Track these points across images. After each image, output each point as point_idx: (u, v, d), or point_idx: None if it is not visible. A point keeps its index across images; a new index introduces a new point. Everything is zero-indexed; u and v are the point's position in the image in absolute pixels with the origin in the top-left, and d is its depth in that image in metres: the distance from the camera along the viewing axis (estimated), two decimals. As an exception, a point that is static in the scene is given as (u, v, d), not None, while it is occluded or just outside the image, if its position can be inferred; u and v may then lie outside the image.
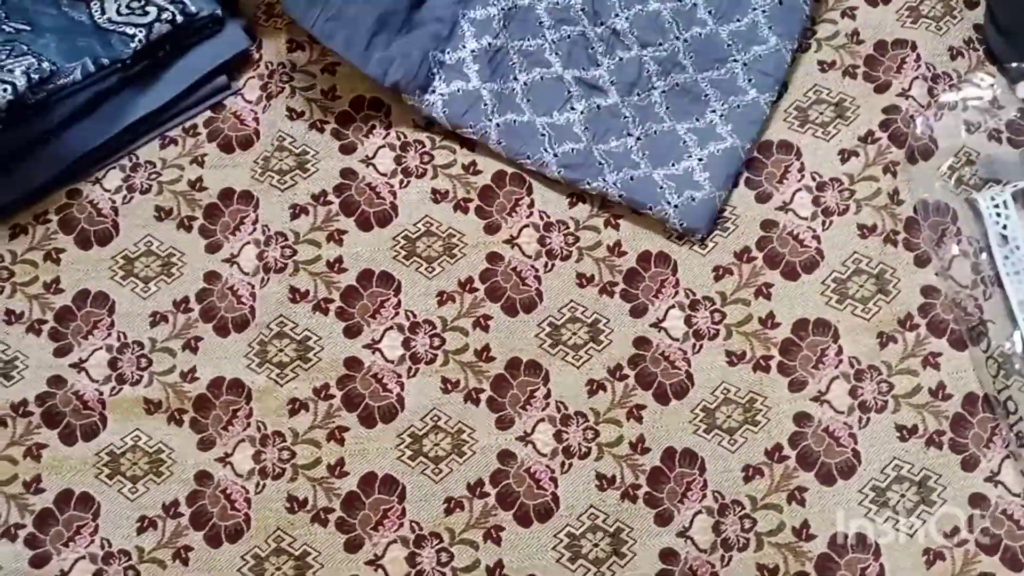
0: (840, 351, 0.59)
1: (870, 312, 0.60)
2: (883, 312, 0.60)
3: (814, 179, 0.64)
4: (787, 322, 0.60)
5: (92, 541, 0.57)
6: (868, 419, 0.58)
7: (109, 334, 0.61)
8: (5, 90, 0.59)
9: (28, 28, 0.64)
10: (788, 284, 0.61)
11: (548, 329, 0.61)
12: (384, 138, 0.66)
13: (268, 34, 0.69)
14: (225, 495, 0.57)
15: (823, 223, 0.62)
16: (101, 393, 0.59)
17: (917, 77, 0.66)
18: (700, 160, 0.62)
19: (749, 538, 0.56)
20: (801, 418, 0.58)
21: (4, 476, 0.58)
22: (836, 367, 0.59)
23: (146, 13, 0.64)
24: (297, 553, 0.56)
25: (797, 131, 0.65)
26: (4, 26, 0.64)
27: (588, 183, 0.62)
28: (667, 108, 0.65)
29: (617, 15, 0.67)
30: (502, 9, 0.66)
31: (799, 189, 0.63)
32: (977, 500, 0.56)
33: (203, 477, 0.58)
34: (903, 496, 0.56)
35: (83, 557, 0.56)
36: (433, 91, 0.64)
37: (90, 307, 0.62)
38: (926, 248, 0.61)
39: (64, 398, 0.59)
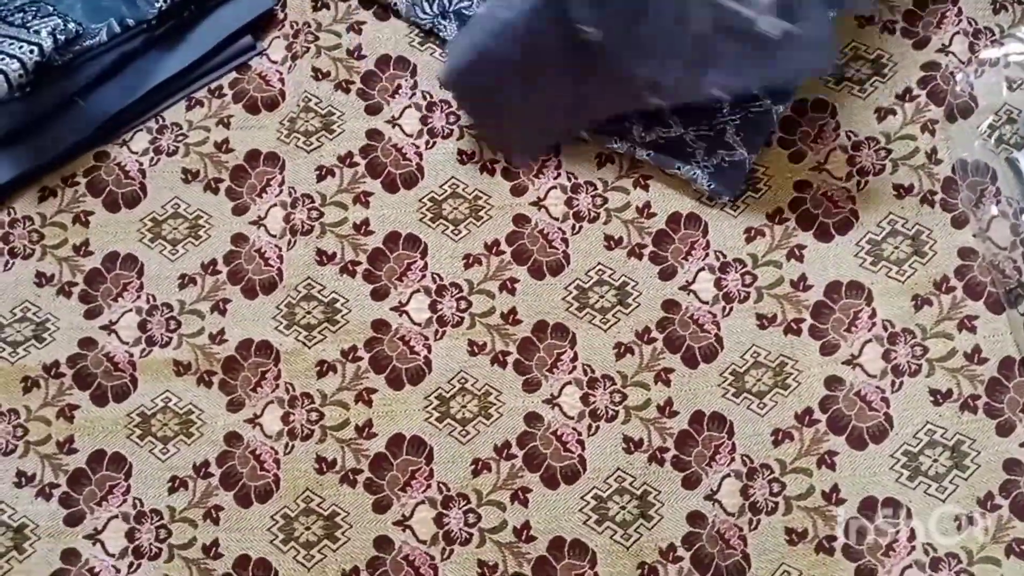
0: (873, 314, 0.58)
1: (905, 274, 0.59)
2: (918, 274, 0.59)
3: (849, 138, 0.62)
4: (819, 284, 0.59)
5: (124, 500, 0.57)
6: (901, 383, 0.57)
7: (138, 296, 0.61)
8: (32, 51, 0.59)
9: (53, -11, 0.64)
10: (821, 246, 0.60)
11: (575, 292, 0.60)
12: (410, 98, 0.65)
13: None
14: (255, 456, 0.58)
15: (858, 183, 0.61)
16: (131, 355, 0.60)
17: (958, 32, 0.64)
18: (733, 121, 0.61)
19: (778, 502, 0.56)
20: (832, 382, 0.57)
21: (38, 436, 0.59)
22: (869, 330, 0.58)
23: (170, -27, 0.63)
24: (326, 513, 0.57)
25: (832, 88, 0.63)
26: (30, -13, 0.63)
27: (616, 143, 0.61)
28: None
29: None
30: None
31: (833, 149, 0.62)
32: (1011, 465, 0.55)
33: (233, 438, 0.58)
34: (936, 461, 0.55)
35: (116, 516, 0.57)
36: None
37: (119, 269, 0.62)
38: (963, 208, 0.60)
39: (95, 359, 0.60)
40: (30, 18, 0.61)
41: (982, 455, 0.55)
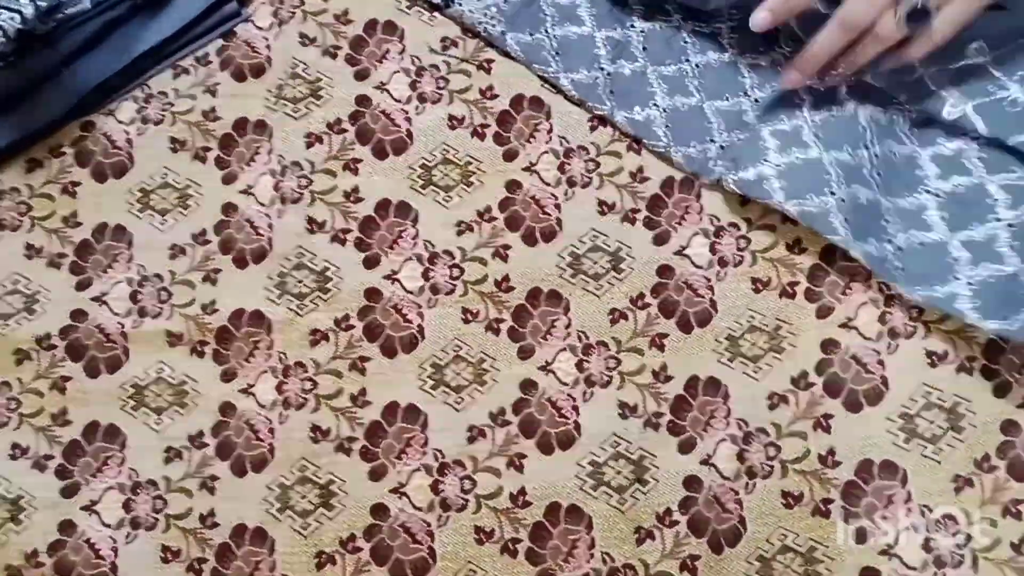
0: (868, 276, 0.58)
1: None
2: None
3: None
4: (815, 248, 0.59)
5: (120, 471, 0.57)
6: (897, 345, 0.57)
7: (129, 267, 0.61)
8: (12, 19, 0.58)
9: (34, -45, 0.62)
10: (816, 208, 0.59)
11: (568, 259, 0.60)
12: (399, 63, 0.64)
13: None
14: (249, 425, 0.58)
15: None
16: (123, 326, 0.60)
17: None
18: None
19: (774, 466, 0.56)
20: (828, 345, 0.57)
21: (31, 409, 0.58)
22: (864, 292, 0.57)
23: (153, -63, 0.62)
24: (322, 482, 0.57)
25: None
26: (9, -46, 0.62)
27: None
28: None
29: None
30: None
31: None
32: (1008, 427, 0.55)
33: (227, 408, 0.58)
34: (932, 423, 0.55)
35: (112, 487, 0.57)
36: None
37: (109, 240, 0.61)
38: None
39: (87, 331, 0.60)
40: (11, -15, 0.60)
41: (978, 416, 0.55)
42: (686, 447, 0.56)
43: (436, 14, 0.64)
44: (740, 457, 0.56)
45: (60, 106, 0.63)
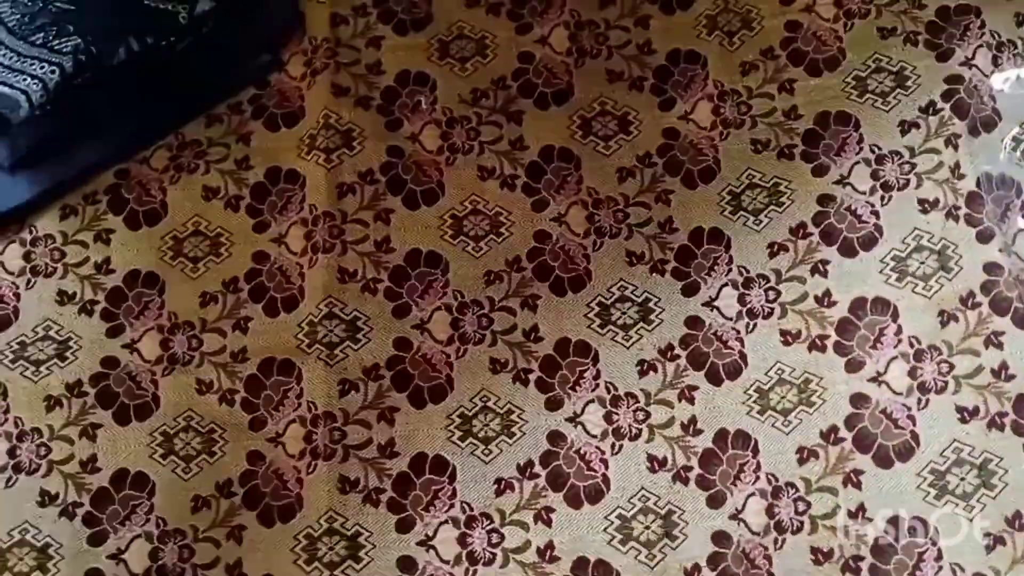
0: (899, 330, 0.58)
1: (931, 290, 0.58)
2: (945, 290, 0.58)
3: (873, 152, 0.62)
4: (844, 300, 0.59)
5: (148, 520, 0.57)
6: (927, 400, 0.56)
7: (160, 314, 0.61)
8: (53, 71, 0.59)
9: (73, 8, 0.63)
10: (845, 260, 0.60)
11: (597, 309, 0.60)
12: (430, 114, 0.65)
13: (312, 8, 0.68)
14: (277, 475, 0.58)
15: (882, 198, 0.61)
16: (154, 373, 0.60)
17: (981, 45, 0.63)
18: None
19: (803, 521, 0.55)
20: (858, 399, 0.57)
21: (61, 456, 0.59)
22: (895, 347, 0.57)
23: (189, -11, 0.63)
24: (349, 533, 0.57)
25: (856, 101, 0.63)
26: (50, 6, 0.63)
27: None
28: None
29: None
30: None
31: (857, 162, 0.61)
32: (1039, 481, 0.54)
33: (255, 457, 0.58)
34: (963, 479, 0.55)
35: (139, 536, 0.57)
36: None
37: (141, 287, 0.62)
38: (989, 223, 0.59)
39: (118, 378, 0.60)
40: (50, 38, 0.61)
41: (1010, 473, 0.55)
42: (715, 501, 0.56)
43: (468, 66, 0.65)
44: (769, 512, 0.56)
45: (95, 155, 0.64)
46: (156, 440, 0.59)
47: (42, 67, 0.59)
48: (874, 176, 0.61)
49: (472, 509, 0.57)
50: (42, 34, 0.61)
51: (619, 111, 0.64)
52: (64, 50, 0.60)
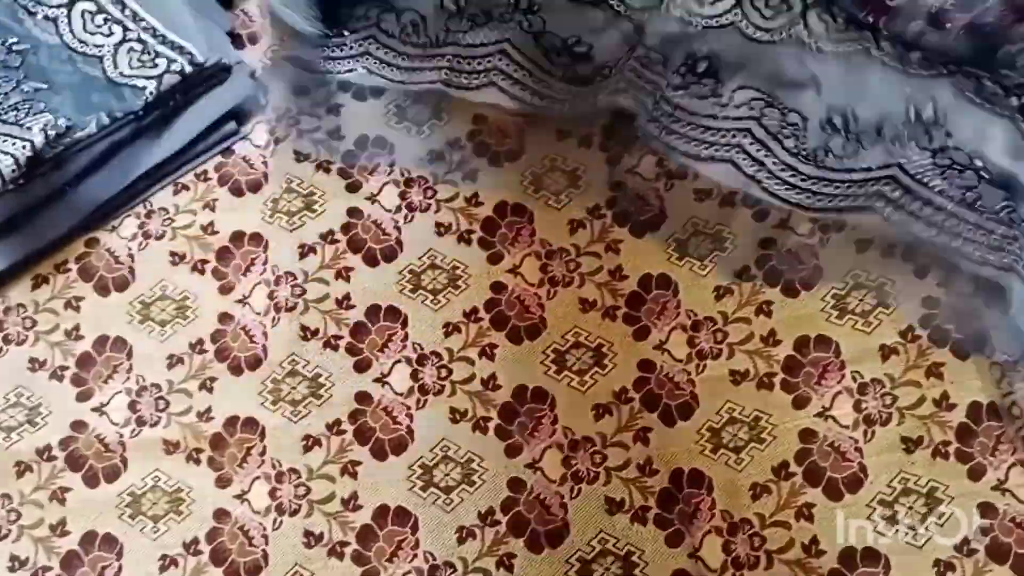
0: (842, 366, 0.60)
1: (871, 325, 0.61)
2: (884, 325, 0.60)
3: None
4: (788, 339, 0.61)
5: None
6: (873, 432, 0.58)
7: (128, 377, 0.63)
8: (24, 147, 0.61)
9: (45, 86, 0.66)
10: (788, 301, 0.62)
11: (553, 356, 0.62)
12: (388, 175, 0.67)
13: (274, 80, 0.71)
14: (243, 532, 0.59)
15: (820, 240, 0.63)
16: (122, 436, 0.61)
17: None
18: None
19: (759, 556, 0.56)
20: (806, 435, 0.59)
21: (31, 520, 0.60)
22: (839, 382, 0.59)
23: (156, 65, 0.66)
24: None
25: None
26: (23, 86, 0.66)
27: None
28: None
29: None
30: None
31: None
32: (985, 509, 0.56)
33: (222, 514, 0.59)
34: (911, 508, 0.56)
35: (106, 595, 0.58)
36: None
37: (109, 352, 0.64)
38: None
39: (87, 441, 0.61)
40: (23, 116, 0.64)
41: (955, 500, 0.56)
42: (674, 541, 0.57)
43: (425, 129, 0.68)
44: (726, 548, 0.57)
45: (65, 224, 0.66)
46: (124, 501, 0.60)
47: (13, 143, 0.62)
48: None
49: (435, 559, 0.58)
50: (15, 112, 0.64)
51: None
52: (35, 127, 0.62)
